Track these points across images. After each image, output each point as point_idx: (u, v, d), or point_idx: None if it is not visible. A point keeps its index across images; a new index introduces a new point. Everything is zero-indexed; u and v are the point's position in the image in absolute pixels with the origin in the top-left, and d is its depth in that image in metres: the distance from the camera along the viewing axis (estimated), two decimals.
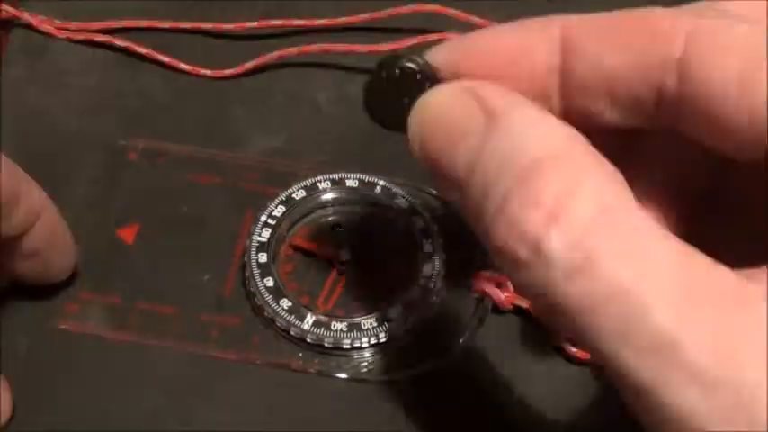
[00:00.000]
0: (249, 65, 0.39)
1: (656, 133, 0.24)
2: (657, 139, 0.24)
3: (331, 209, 0.34)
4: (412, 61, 0.24)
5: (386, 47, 0.38)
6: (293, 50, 0.38)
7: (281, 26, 0.39)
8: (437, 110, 0.22)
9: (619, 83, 0.22)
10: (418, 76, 0.23)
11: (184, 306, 0.32)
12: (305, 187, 0.34)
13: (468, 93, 0.22)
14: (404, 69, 0.24)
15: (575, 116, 0.23)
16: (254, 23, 0.39)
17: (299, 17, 0.39)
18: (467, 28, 0.38)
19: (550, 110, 0.23)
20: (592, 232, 0.19)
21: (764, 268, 0.20)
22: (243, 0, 0.41)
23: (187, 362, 0.31)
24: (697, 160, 0.24)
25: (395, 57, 0.24)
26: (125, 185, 0.35)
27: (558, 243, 0.19)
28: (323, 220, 0.34)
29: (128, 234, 0.34)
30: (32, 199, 0.29)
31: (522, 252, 0.19)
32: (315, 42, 0.39)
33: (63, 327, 0.32)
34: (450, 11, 0.38)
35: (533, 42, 0.23)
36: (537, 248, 0.19)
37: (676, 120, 0.22)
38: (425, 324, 0.32)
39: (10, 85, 0.38)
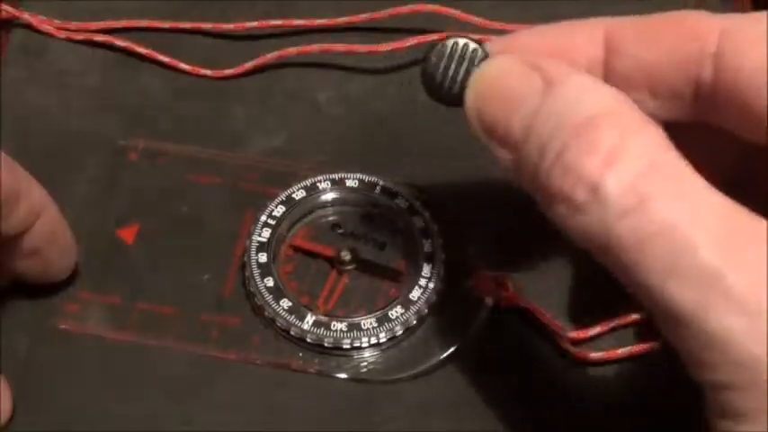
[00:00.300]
0: (249, 65, 0.39)
1: (692, 126, 0.25)
2: (693, 132, 0.25)
3: (331, 209, 0.34)
4: (469, 40, 0.26)
5: (386, 47, 0.38)
6: (293, 50, 0.38)
7: (281, 26, 0.39)
8: (494, 78, 0.24)
9: (658, 77, 0.24)
10: (474, 52, 0.25)
11: (184, 306, 0.32)
12: (305, 187, 0.34)
13: (525, 62, 0.23)
14: (462, 45, 0.25)
15: None
16: (254, 23, 0.39)
17: (299, 17, 0.39)
18: (467, 28, 0.38)
19: None
20: (644, 177, 0.21)
21: None
22: (243, 0, 0.41)
23: (187, 362, 0.31)
24: (726, 150, 0.26)
25: (450, 37, 0.26)
26: (125, 185, 0.35)
27: (613, 186, 0.21)
28: (323, 220, 0.34)
29: (128, 234, 0.34)
30: (33, 197, 0.29)
31: (580, 195, 0.21)
32: (315, 42, 0.39)
33: (63, 327, 0.32)
34: (450, 11, 0.38)
35: (578, 41, 0.25)
36: (594, 190, 0.21)
37: (712, 110, 0.24)
38: (425, 324, 0.32)
39: (10, 85, 0.38)
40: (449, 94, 0.26)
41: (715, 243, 0.20)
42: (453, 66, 0.25)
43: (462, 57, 0.25)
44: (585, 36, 0.25)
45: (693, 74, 0.23)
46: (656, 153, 0.21)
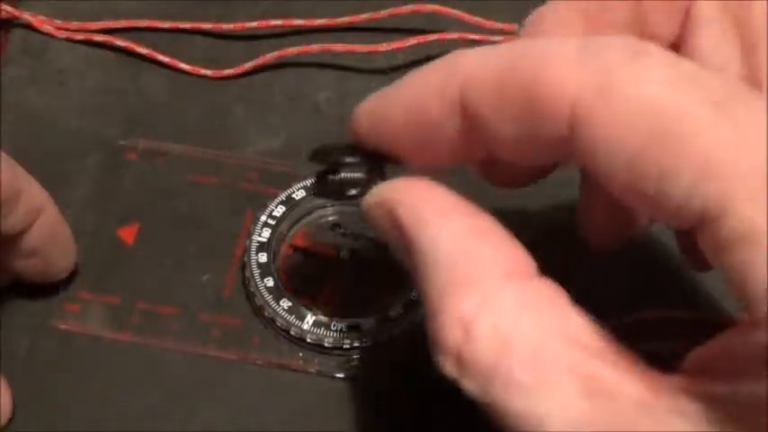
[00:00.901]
0: (249, 65, 0.39)
1: None
2: None
3: (331, 209, 0.34)
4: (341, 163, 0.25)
5: (386, 47, 0.38)
6: (293, 50, 0.38)
7: (281, 26, 0.39)
8: (371, 219, 0.24)
9: (522, 149, 0.21)
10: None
11: (184, 306, 0.32)
12: (305, 187, 0.34)
13: (386, 213, 0.23)
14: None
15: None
16: (254, 23, 0.39)
17: (299, 17, 0.39)
18: (467, 28, 0.38)
19: (474, 147, 0.23)
20: (494, 377, 0.19)
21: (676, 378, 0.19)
22: (243, 0, 0.41)
23: (187, 362, 0.31)
24: None
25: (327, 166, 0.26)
26: (125, 185, 0.35)
27: (469, 386, 0.20)
28: (323, 220, 0.34)
29: (128, 234, 0.34)
30: (32, 197, 0.29)
31: (450, 379, 0.20)
32: (315, 42, 0.39)
33: (63, 327, 0.32)
34: (450, 11, 0.38)
35: (436, 113, 0.22)
36: (458, 384, 0.20)
37: None
38: (425, 324, 0.32)
39: (10, 85, 0.38)
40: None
41: None
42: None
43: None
44: (441, 105, 0.22)
45: (552, 153, 0.21)
46: (507, 327, 0.19)
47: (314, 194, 0.26)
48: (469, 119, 0.21)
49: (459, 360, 0.20)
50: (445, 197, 0.22)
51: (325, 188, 0.26)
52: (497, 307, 0.20)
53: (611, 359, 0.19)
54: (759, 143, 0.17)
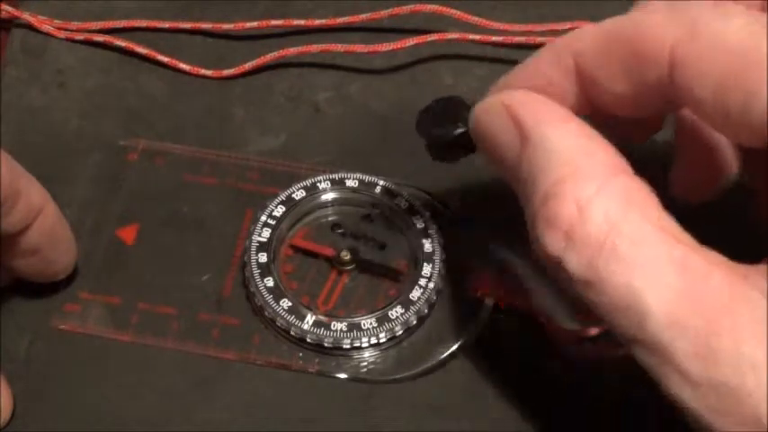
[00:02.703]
0: (249, 65, 0.39)
1: None
2: None
3: (331, 209, 0.34)
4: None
5: (386, 47, 0.38)
6: (293, 50, 0.38)
7: (281, 26, 0.39)
8: (483, 122, 0.26)
9: (633, 100, 0.25)
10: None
11: (184, 306, 0.32)
12: (305, 187, 0.34)
13: (505, 111, 0.25)
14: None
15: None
16: (254, 23, 0.39)
17: (299, 17, 0.39)
18: (467, 28, 0.38)
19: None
20: (600, 251, 0.22)
21: (762, 267, 0.22)
22: (243, 0, 0.41)
23: (187, 362, 0.31)
24: None
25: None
26: (125, 185, 0.35)
27: (573, 264, 0.23)
28: (323, 220, 0.34)
29: (128, 234, 0.34)
30: (32, 196, 0.29)
31: (550, 264, 0.23)
32: (315, 42, 0.39)
33: (63, 327, 0.32)
34: (450, 11, 0.38)
35: (555, 80, 0.26)
36: (559, 264, 0.23)
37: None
38: (425, 324, 0.32)
39: (10, 85, 0.38)
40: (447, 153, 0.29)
41: (664, 313, 0.21)
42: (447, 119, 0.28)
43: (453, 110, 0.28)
44: (558, 73, 0.26)
45: (659, 97, 0.24)
46: (615, 213, 0.22)
47: (432, 158, 0.29)
48: (584, 82, 0.25)
49: (569, 234, 0.22)
50: (558, 106, 0.25)
51: (441, 155, 0.29)
52: (609, 195, 0.23)
53: (702, 251, 0.22)
54: None
